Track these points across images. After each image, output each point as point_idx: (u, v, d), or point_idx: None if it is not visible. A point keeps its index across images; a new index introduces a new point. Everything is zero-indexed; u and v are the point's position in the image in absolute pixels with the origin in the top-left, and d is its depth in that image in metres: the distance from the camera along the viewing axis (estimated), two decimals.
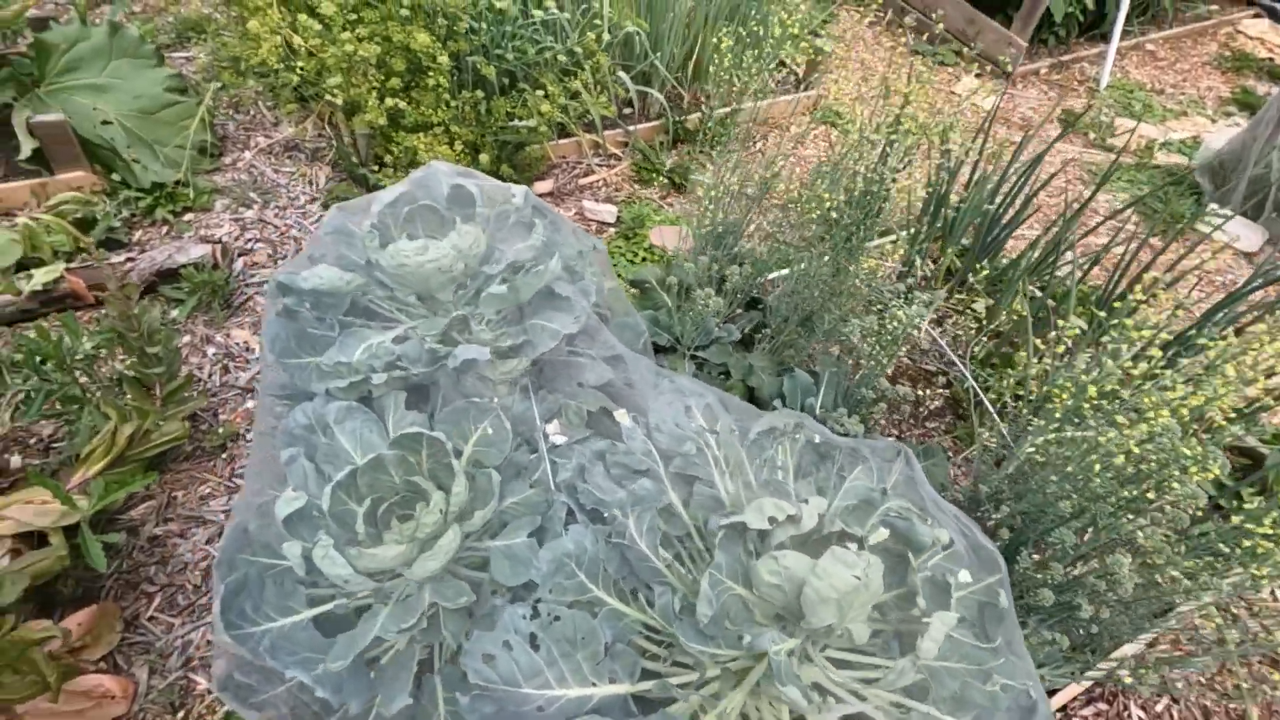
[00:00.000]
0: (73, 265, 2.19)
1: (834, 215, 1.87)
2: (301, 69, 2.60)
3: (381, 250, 1.26)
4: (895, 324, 1.55)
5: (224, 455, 1.94)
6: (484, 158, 2.34)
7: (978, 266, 2.19)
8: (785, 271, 2.16)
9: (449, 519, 1.04)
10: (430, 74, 2.25)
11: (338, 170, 2.82)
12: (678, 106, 3.13)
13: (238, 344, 2.21)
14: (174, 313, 2.25)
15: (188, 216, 2.58)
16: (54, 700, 1.33)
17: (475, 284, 1.34)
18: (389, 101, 2.30)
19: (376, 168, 2.58)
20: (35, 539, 1.60)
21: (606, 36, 2.53)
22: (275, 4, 2.24)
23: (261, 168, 2.82)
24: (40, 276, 2.11)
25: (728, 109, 3.12)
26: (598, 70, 2.64)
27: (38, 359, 1.69)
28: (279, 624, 1.08)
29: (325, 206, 2.68)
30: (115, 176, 2.57)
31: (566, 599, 0.98)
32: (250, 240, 2.53)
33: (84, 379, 1.82)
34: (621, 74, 2.62)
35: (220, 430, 1.97)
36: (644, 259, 2.59)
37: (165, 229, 2.52)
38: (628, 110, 3.08)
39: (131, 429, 1.72)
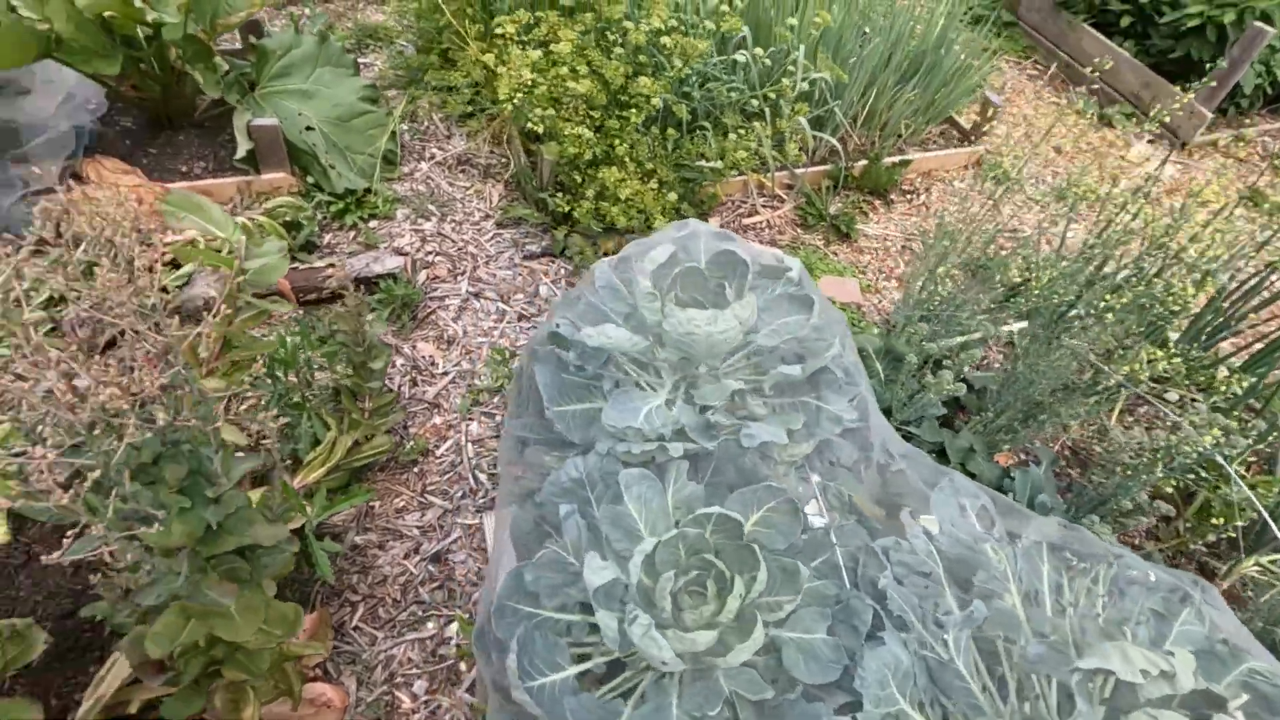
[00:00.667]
0: None
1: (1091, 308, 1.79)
2: (493, 96, 2.68)
3: (663, 314, 1.27)
4: (1186, 447, 1.47)
5: (415, 469, 2.00)
6: (671, 196, 2.35)
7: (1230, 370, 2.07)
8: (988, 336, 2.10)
9: (751, 605, 1.03)
10: (633, 112, 2.27)
11: (511, 189, 2.88)
12: (844, 152, 3.09)
13: (424, 357, 2.27)
14: (369, 317, 2.33)
15: (373, 223, 2.67)
16: (294, 708, 1.38)
17: (743, 353, 1.34)
18: (586, 133, 2.33)
19: (555, 191, 2.63)
20: None
21: (804, 86, 2.51)
22: (507, 41, 2.28)
23: (437, 180, 2.91)
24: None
25: (896, 158, 3.07)
26: (779, 114, 2.63)
27: (275, 362, 1.77)
28: (549, 679, 1.09)
29: (500, 225, 2.74)
30: (310, 179, 2.69)
31: (880, 710, 0.95)
32: (430, 253, 2.61)
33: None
34: (800, 119, 2.59)
35: (411, 445, 2.03)
36: None
37: (353, 234, 2.62)
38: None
39: (350, 441, 1.78)
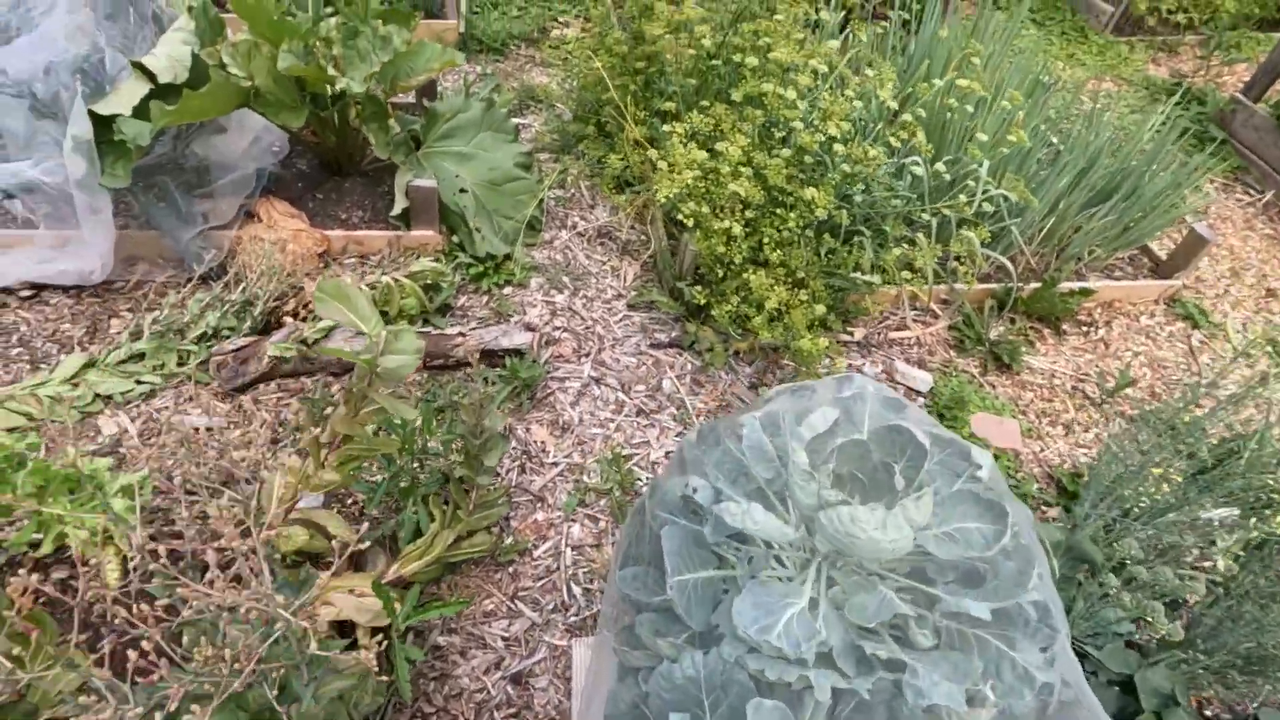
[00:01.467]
0: (413, 330, 2.29)
1: None
2: (640, 173, 2.62)
3: (819, 499, 1.09)
4: None
5: (510, 569, 1.89)
6: (819, 308, 2.16)
7: None
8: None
9: None
10: (792, 216, 2.12)
11: (647, 269, 2.80)
12: (1014, 270, 2.79)
13: (536, 443, 2.19)
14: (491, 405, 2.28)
15: (507, 289, 2.66)
16: None
17: (908, 558, 1.13)
18: (736, 229, 2.19)
19: (694, 282, 2.51)
20: (342, 628, 1.61)
21: (986, 206, 2.27)
22: (671, 134, 2.21)
23: (575, 251, 2.88)
24: None
25: (1074, 284, 2.73)
26: (952, 233, 2.40)
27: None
28: None
29: (631, 306, 2.65)
30: (455, 239, 2.73)
31: None
32: (558, 329, 2.55)
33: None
34: (973, 238, 2.35)
35: (509, 542, 1.93)
36: None
37: (486, 299, 2.62)
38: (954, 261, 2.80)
39: (452, 537, 1.70)
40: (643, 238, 2.93)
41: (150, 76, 2.20)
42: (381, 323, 1.37)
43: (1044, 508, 2.19)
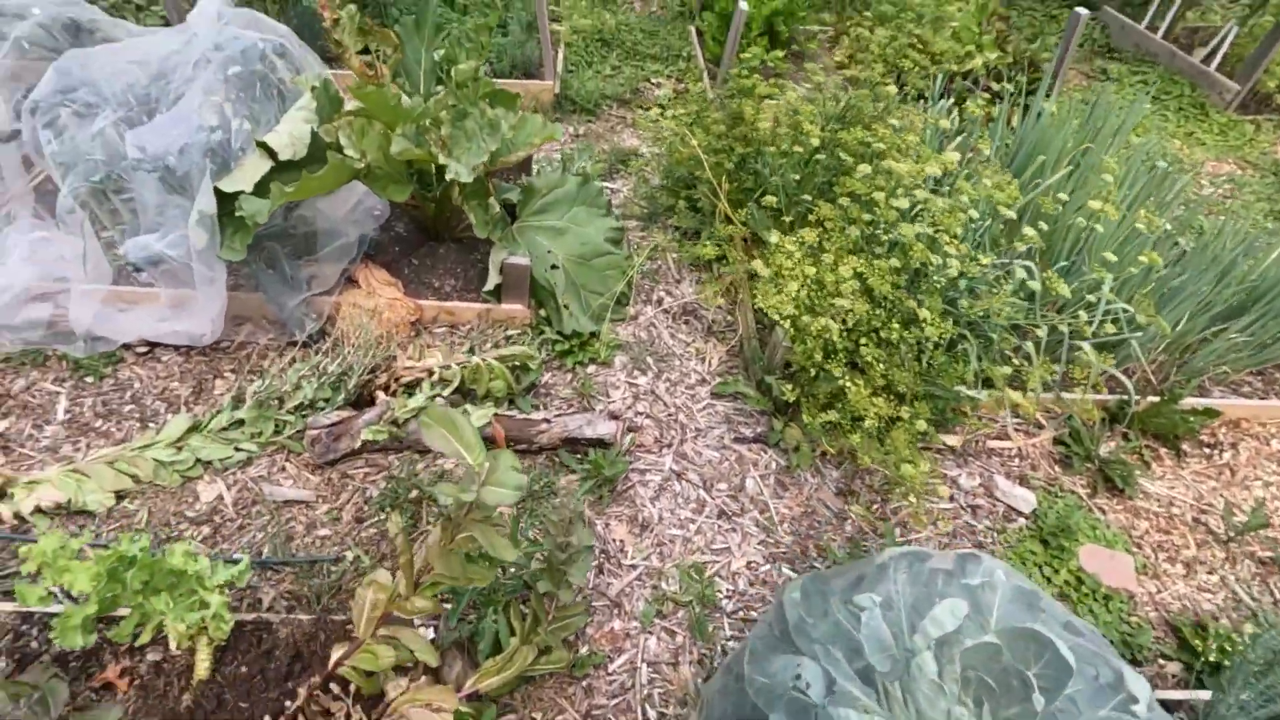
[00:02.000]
0: (500, 412, 2.29)
1: None
2: (737, 268, 2.56)
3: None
4: None
5: (584, 684, 1.84)
6: (920, 424, 2.05)
7: None
8: None
9: None
10: (895, 329, 2.03)
11: (733, 355, 2.74)
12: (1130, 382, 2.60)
13: (615, 541, 2.14)
14: (561, 481, 2.26)
15: (591, 368, 2.64)
16: None
17: None
18: (833, 327, 2.10)
19: (783, 376, 2.43)
20: None
21: (1109, 328, 2.13)
22: (776, 250, 2.15)
23: (660, 329, 2.84)
24: (476, 420, 2.23)
25: (1198, 401, 2.53)
26: (1056, 336, 2.25)
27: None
28: None
29: (715, 394, 2.59)
30: (543, 313, 2.74)
31: None
32: (640, 414, 2.51)
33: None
34: (1090, 355, 2.19)
35: (585, 652, 1.87)
36: (1072, 590, 2.10)
37: (570, 377, 2.60)
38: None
39: (531, 656, 1.66)
40: (729, 319, 2.88)
41: (271, 154, 2.30)
42: (485, 452, 1.35)
43: (1161, 662, 2.00)
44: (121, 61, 2.57)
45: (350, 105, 2.40)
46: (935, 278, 2.12)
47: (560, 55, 4.36)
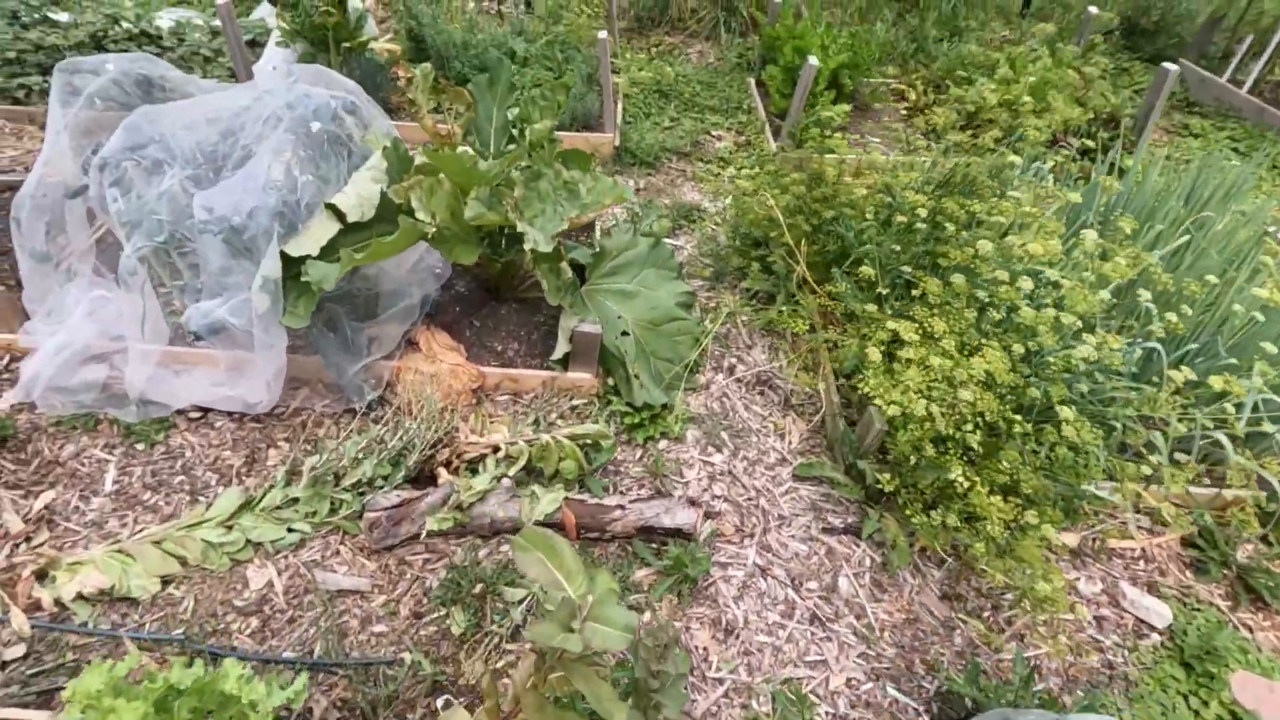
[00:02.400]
0: (570, 495, 2.11)
1: None
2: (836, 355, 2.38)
3: None
4: None
5: None
6: (1049, 529, 1.81)
7: None
8: None
9: None
10: (1018, 423, 1.81)
11: (815, 432, 2.54)
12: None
13: (699, 649, 1.93)
14: (637, 574, 2.06)
15: (663, 443, 2.46)
16: None
17: None
18: (935, 412, 1.89)
19: (878, 462, 2.22)
20: None
21: (1268, 426, 1.88)
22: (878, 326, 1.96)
23: (733, 400, 2.66)
24: (545, 505, 2.05)
25: None
26: (1191, 439, 2.00)
27: None
28: None
29: (798, 477, 2.38)
30: (611, 382, 2.57)
31: None
32: (718, 498, 2.31)
33: None
34: (1247, 461, 1.94)
35: None
36: None
37: (640, 453, 2.42)
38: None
39: None
40: (808, 391, 2.68)
41: (339, 216, 2.20)
42: (587, 581, 1.17)
43: None
44: (191, 118, 2.52)
45: (419, 163, 2.31)
46: (1056, 363, 1.90)
47: (619, 107, 4.29)
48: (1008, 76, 4.11)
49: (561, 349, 2.46)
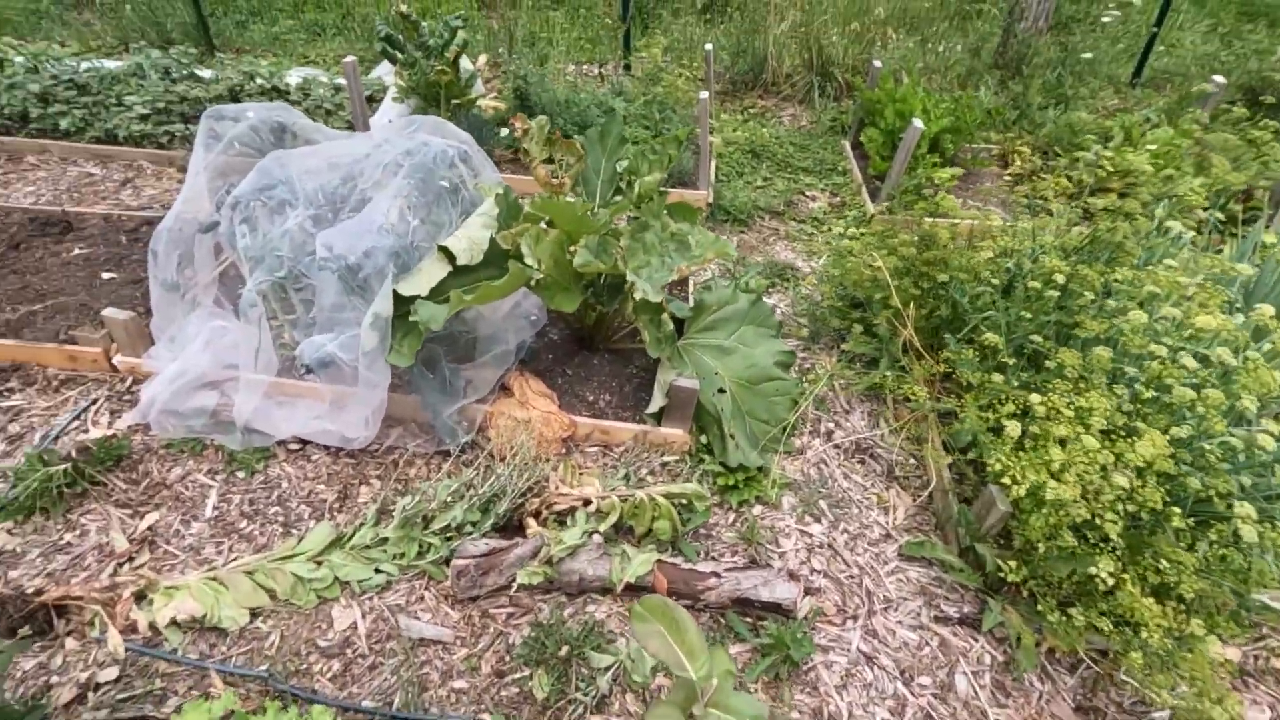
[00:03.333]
0: (663, 558, 2.00)
1: None
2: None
3: None
4: None
5: None
6: (1213, 641, 1.57)
7: None
8: None
9: None
10: (1175, 514, 1.60)
11: (924, 509, 2.36)
12: None
13: None
14: (730, 650, 1.91)
15: (757, 508, 2.33)
16: None
17: None
18: (1065, 495, 1.69)
19: (999, 546, 2.02)
20: None
21: None
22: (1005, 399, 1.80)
23: (831, 467, 2.51)
24: (636, 566, 1.95)
25: None
26: None
27: None
28: None
29: (905, 556, 2.20)
30: (704, 440, 2.47)
31: None
32: (816, 572, 2.15)
33: None
34: None
35: None
36: None
37: (733, 517, 2.30)
38: None
39: None
40: (913, 461, 2.51)
41: (450, 259, 2.23)
42: (710, 661, 1.06)
43: None
44: (316, 163, 2.65)
45: (527, 210, 2.34)
46: (1213, 451, 1.69)
47: (713, 165, 4.32)
48: (1122, 144, 3.93)
49: (657, 403, 2.40)
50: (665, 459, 2.42)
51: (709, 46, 4.66)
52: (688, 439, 2.44)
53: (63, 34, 6.33)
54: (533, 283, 2.29)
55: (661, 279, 2.13)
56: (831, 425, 2.68)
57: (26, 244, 3.13)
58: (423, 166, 2.43)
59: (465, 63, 4.68)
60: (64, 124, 4.28)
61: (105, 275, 2.98)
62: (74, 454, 2.21)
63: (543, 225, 2.32)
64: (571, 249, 2.26)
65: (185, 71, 4.91)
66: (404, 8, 4.16)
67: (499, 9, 7.33)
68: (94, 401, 2.51)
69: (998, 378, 2.01)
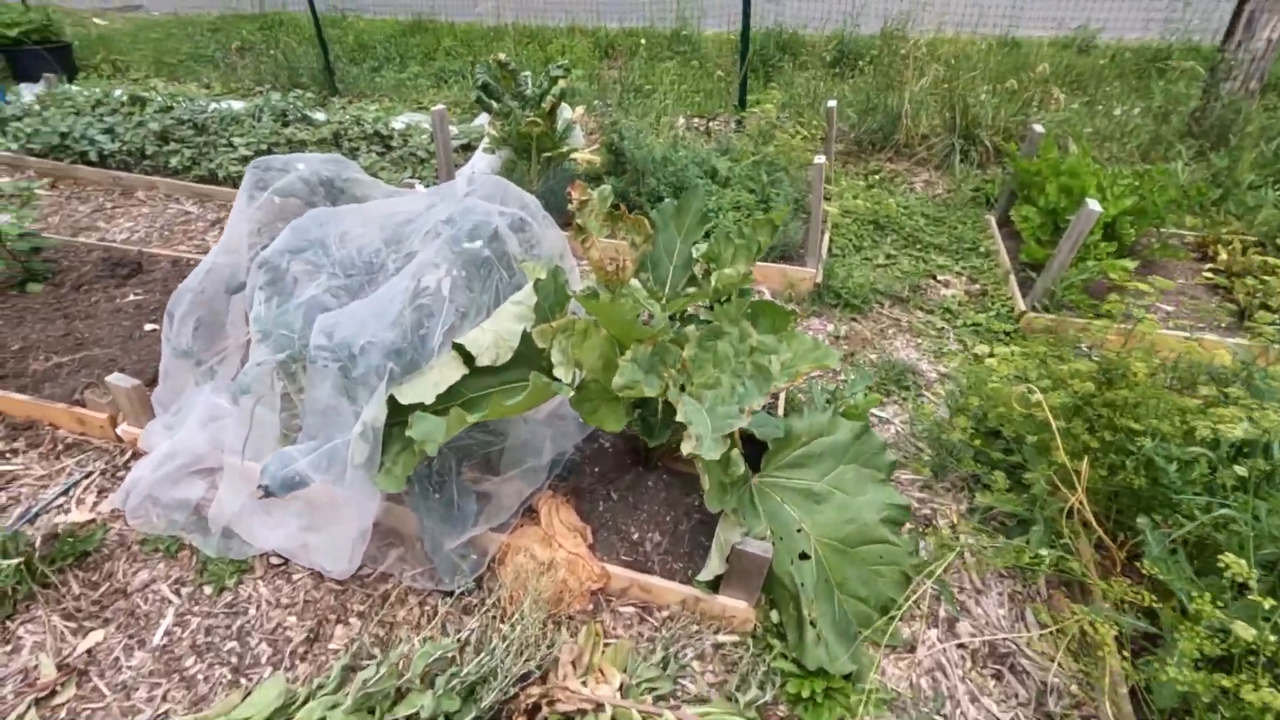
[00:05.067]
0: None
1: None
2: None
3: None
4: None
5: None
6: None
7: None
8: None
9: None
10: None
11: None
12: None
13: None
14: None
15: None
16: None
17: None
18: None
19: None
20: None
21: None
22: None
23: (953, 678, 1.80)
24: None
25: None
26: None
27: None
28: None
29: None
30: (775, 619, 1.85)
31: None
32: None
33: None
34: None
35: None
36: None
37: None
38: None
39: None
40: (1076, 690, 1.75)
41: (468, 359, 1.79)
42: None
43: None
44: (358, 223, 2.33)
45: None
46: None
47: (826, 238, 3.72)
48: None
49: (714, 569, 1.81)
50: (720, 639, 1.82)
51: (832, 102, 4.10)
52: (752, 615, 1.83)
53: (210, 76, 6.74)
54: (570, 397, 1.79)
55: (726, 423, 1.55)
56: (956, 612, 1.97)
57: (89, 286, 3.04)
58: (460, 238, 2.03)
59: (566, 111, 4.39)
60: (174, 161, 4.36)
61: (148, 326, 2.80)
62: (37, 544, 1.92)
63: (592, 319, 1.84)
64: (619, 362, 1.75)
65: (299, 114, 4.95)
66: (503, 56, 3.93)
67: (620, 58, 7.15)
68: (87, 475, 2.25)
69: (1242, 628, 1.27)
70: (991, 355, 2.38)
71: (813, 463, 2.01)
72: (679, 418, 1.53)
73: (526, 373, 1.83)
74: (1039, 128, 3.59)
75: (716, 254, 1.99)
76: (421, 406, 1.72)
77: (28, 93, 5.47)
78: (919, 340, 3.15)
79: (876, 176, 4.63)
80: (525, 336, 1.85)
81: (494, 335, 1.83)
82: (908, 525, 2.14)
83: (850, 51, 6.41)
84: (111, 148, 4.45)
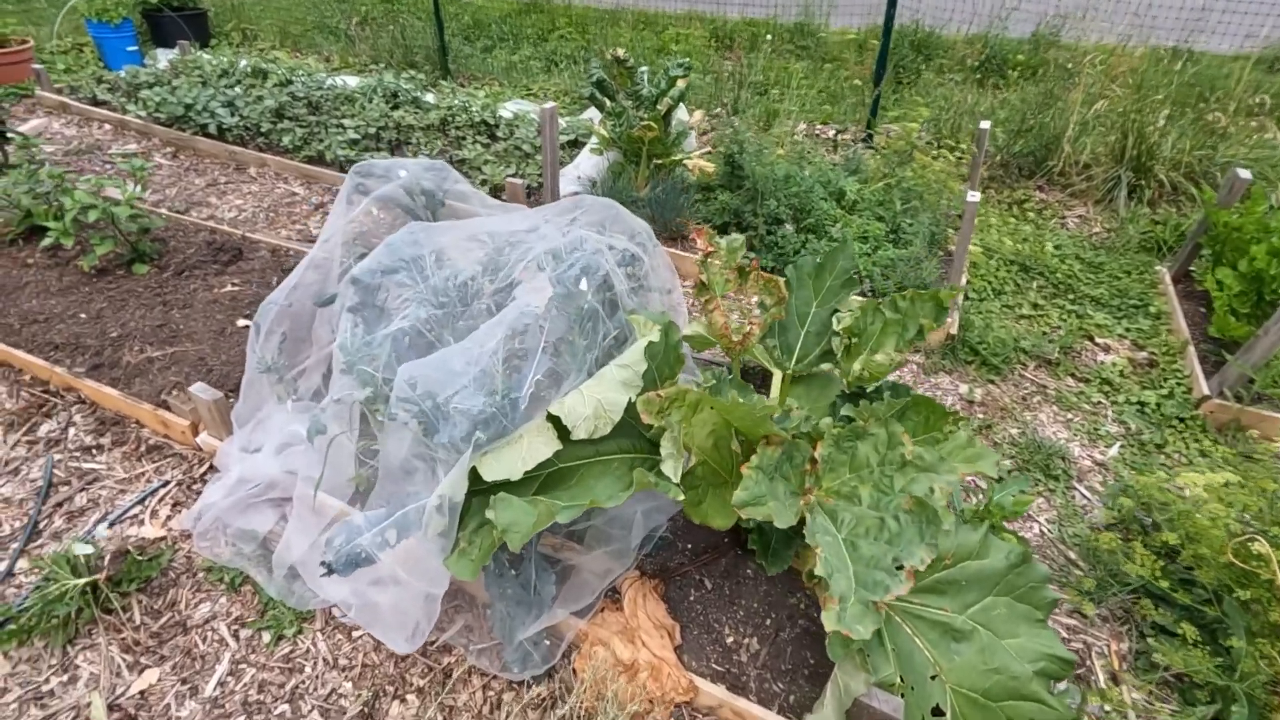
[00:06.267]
0: None
1: None
2: None
3: None
4: None
5: None
6: None
7: None
8: None
9: None
10: None
11: None
12: None
13: None
14: None
15: None
16: None
17: None
18: None
19: None
20: None
21: None
22: None
23: None
24: None
25: None
26: None
27: None
28: None
29: None
30: None
31: None
32: None
33: None
34: None
35: None
36: None
37: None
38: None
39: None
40: None
41: (563, 432, 1.55)
42: None
43: None
44: (454, 241, 2.14)
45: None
46: None
47: (963, 279, 3.28)
48: None
49: (825, 716, 1.51)
50: None
51: (985, 124, 3.61)
52: None
53: (331, 48, 6.81)
54: (678, 497, 1.53)
55: (877, 577, 1.24)
56: None
57: (190, 272, 3.01)
58: (565, 279, 1.79)
59: (681, 113, 4.09)
60: (285, 140, 4.35)
61: (240, 322, 2.73)
62: (106, 562, 1.84)
63: (705, 387, 1.56)
64: (735, 447, 1.47)
65: (409, 97, 4.87)
66: (620, 51, 3.65)
67: (738, 50, 6.75)
68: (164, 484, 2.18)
69: None
70: (1187, 464, 1.95)
71: (955, 591, 1.66)
72: (808, 534, 1.23)
73: (625, 443, 1.58)
74: (1244, 173, 3.01)
75: (861, 327, 1.66)
76: (507, 484, 1.49)
77: (164, 58, 5.65)
78: (1069, 415, 2.70)
79: (1025, 206, 4.09)
80: (631, 406, 1.60)
81: (595, 405, 1.58)
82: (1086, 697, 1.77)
83: (996, 55, 5.77)
84: (231, 122, 4.49)
